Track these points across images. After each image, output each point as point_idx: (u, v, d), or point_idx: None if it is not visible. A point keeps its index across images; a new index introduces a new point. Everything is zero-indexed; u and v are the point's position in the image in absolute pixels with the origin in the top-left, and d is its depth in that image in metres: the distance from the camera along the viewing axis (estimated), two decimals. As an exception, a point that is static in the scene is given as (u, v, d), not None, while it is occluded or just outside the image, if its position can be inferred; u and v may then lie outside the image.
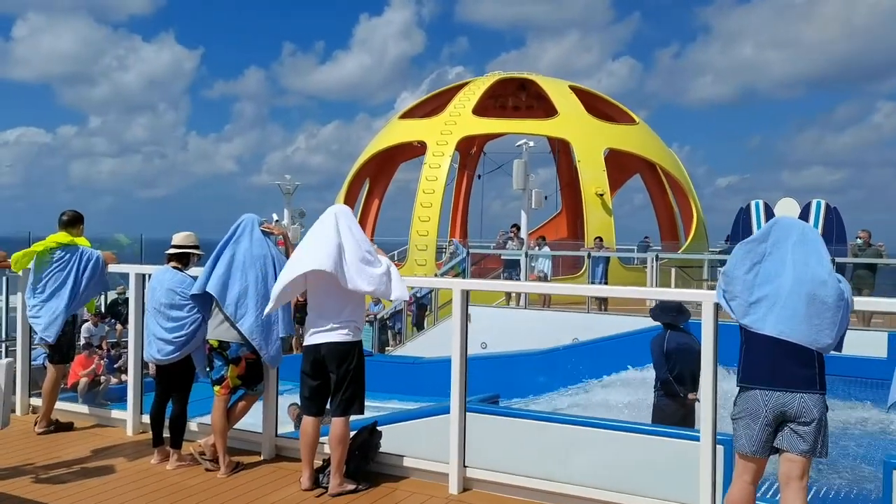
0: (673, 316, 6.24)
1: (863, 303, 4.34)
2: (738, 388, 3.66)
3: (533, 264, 17.54)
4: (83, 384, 12.97)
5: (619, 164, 26.02)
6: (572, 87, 26.91)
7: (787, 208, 15.92)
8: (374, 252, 4.64)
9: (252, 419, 5.35)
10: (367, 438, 4.89)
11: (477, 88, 26.40)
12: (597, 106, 26.73)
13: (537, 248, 18.73)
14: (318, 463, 4.80)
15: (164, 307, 5.11)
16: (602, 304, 15.89)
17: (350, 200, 26.86)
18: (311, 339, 4.65)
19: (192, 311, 5.11)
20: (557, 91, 26.33)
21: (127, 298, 14.46)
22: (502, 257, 18.58)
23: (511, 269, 18.04)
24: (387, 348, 17.33)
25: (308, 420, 4.73)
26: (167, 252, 5.29)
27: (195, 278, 5.13)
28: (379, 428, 5.02)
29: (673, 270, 18.99)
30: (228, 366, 5.00)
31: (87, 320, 14.06)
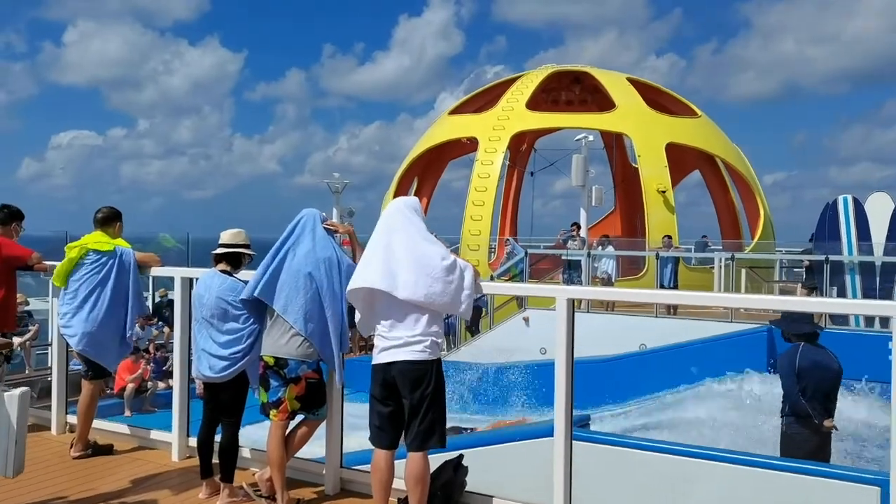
0: (806, 327, 5.28)
1: None
2: None
3: (596, 265, 16.56)
4: (130, 390, 12.56)
5: (677, 162, 24.77)
6: (630, 80, 25.78)
7: (879, 204, 14.71)
8: (447, 254, 3.84)
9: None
10: (452, 477, 4.09)
11: (530, 82, 25.42)
12: (656, 99, 25.55)
13: (600, 247, 17.73)
14: (392, 502, 4.03)
15: (215, 319, 4.39)
16: (671, 307, 14.88)
17: (399, 199, 26.17)
18: (381, 356, 3.86)
19: (249, 322, 4.39)
20: (615, 84, 25.21)
21: (170, 301, 13.89)
22: (563, 257, 17.62)
23: (572, 269, 17.07)
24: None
25: (380, 454, 3.94)
26: (214, 252, 4.56)
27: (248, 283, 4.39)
28: (463, 461, 4.23)
29: (743, 271, 17.84)
30: (287, 386, 4.26)
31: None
